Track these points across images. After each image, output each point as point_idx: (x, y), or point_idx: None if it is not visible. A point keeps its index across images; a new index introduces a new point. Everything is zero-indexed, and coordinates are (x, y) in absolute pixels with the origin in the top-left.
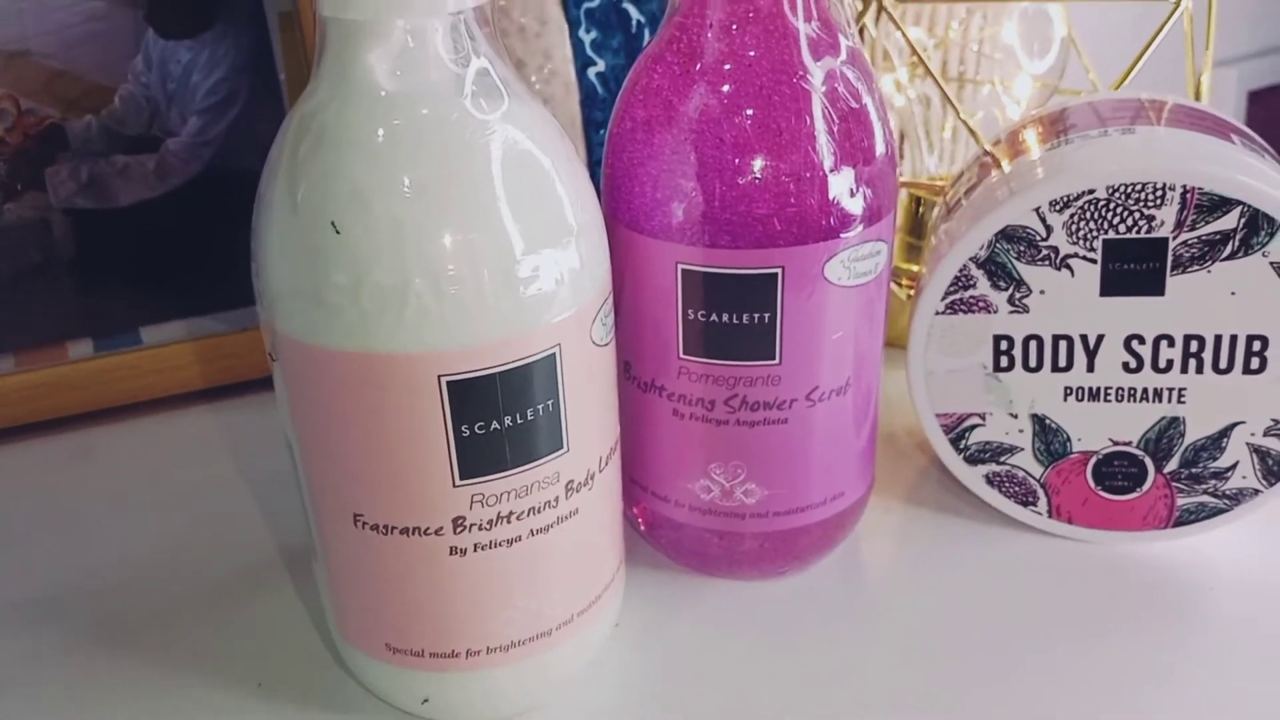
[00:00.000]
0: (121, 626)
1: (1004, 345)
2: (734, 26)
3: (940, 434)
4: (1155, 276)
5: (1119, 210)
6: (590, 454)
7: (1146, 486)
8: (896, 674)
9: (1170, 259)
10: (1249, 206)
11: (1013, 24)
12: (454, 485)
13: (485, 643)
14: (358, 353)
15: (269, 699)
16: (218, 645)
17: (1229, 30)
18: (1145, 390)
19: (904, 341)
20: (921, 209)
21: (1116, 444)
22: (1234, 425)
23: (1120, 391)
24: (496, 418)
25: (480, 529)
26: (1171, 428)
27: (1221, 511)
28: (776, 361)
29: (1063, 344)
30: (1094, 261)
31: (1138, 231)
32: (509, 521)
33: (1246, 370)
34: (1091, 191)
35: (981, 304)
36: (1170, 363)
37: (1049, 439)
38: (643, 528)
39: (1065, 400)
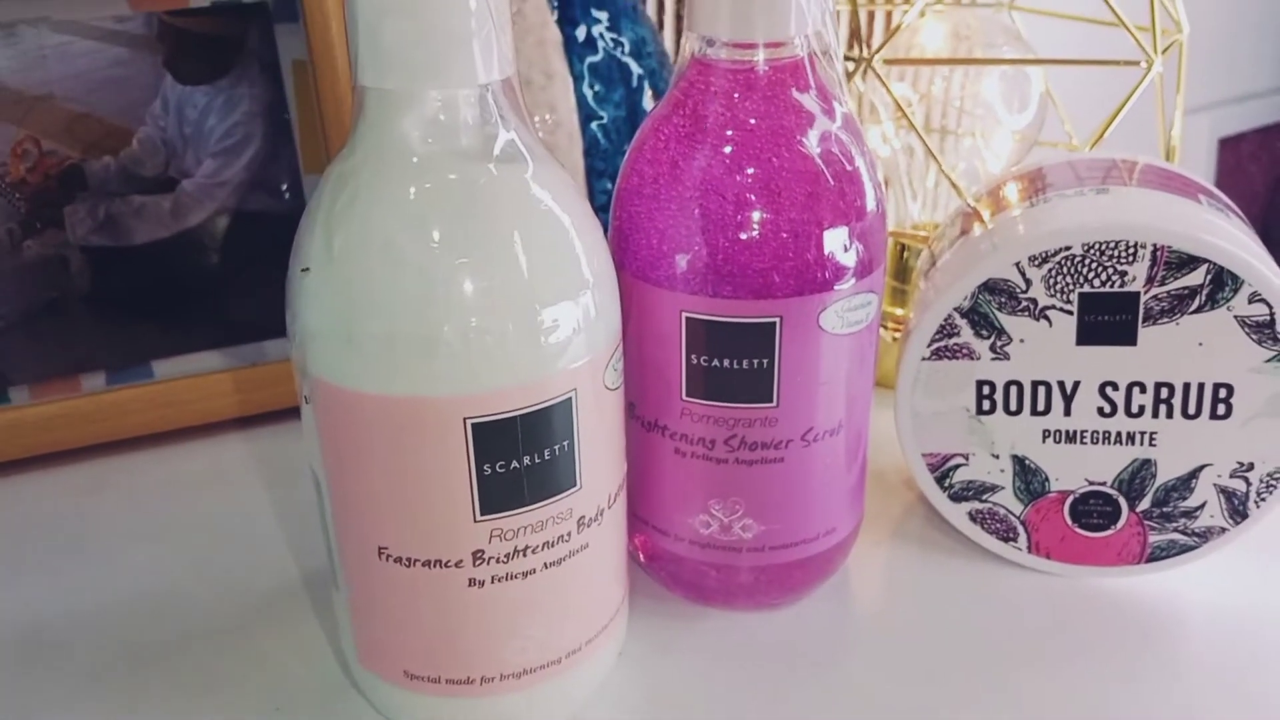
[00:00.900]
0: (138, 655)
1: (986, 390)
2: (735, 95)
3: (926, 472)
4: (1128, 328)
5: (1094, 266)
6: (601, 491)
7: (1120, 524)
8: (884, 700)
9: (1142, 312)
10: (1214, 264)
11: (993, 81)
12: (475, 520)
13: (499, 670)
14: (388, 396)
15: None
16: (234, 672)
17: (1201, 78)
18: (1119, 433)
19: (890, 382)
20: (906, 255)
21: (1092, 484)
22: (1202, 467)
23: (1095, 434)
24: (516, 457)
25: (498, 562)
26: (1144, 469)
27: (1191, 548)
28: (774, 404)
29: (1041, 389)
30: (1070, 313)
31: (1111, 286)
32: (524, 555)
33: (1213, 416)
34: (1069, 248)
35: (965, 351)
36: (1142, 408)
37: (1028, 478)
38: (643, 559)
39: (1044, 442)
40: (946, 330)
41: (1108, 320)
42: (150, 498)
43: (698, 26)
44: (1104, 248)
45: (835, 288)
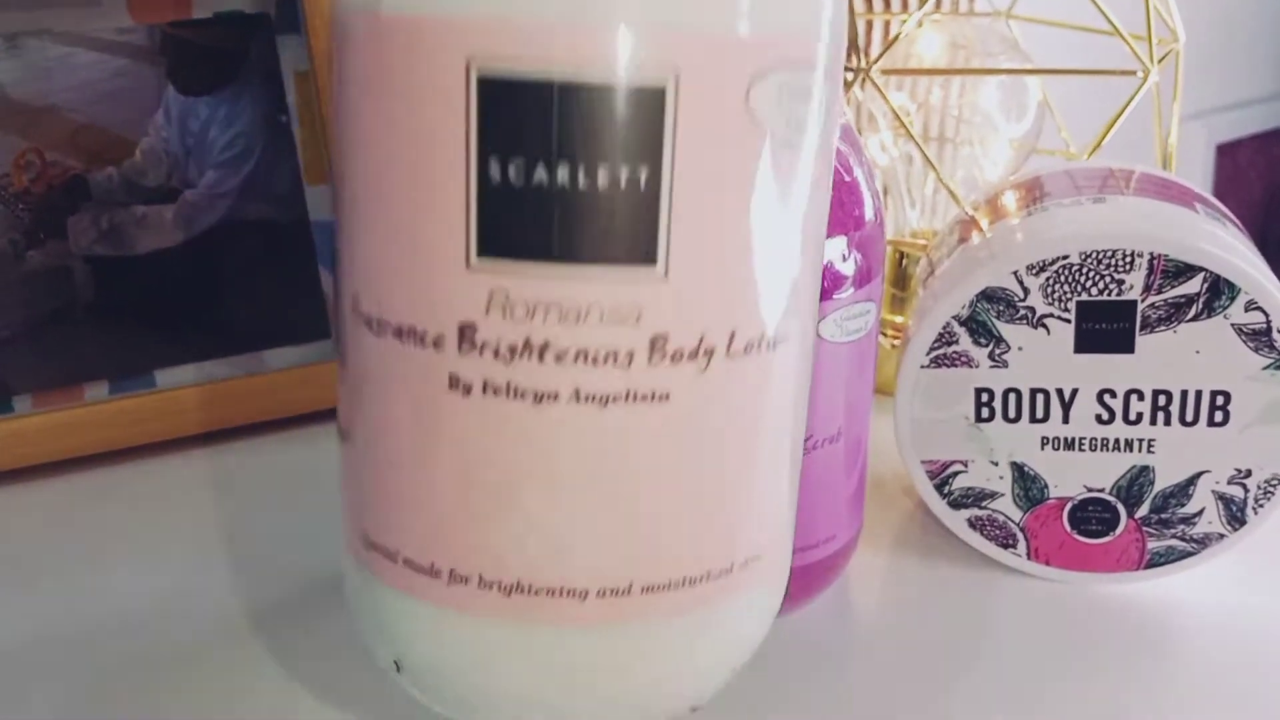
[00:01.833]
0: (141, 663)
1: (985, 397)
2: None
3: (926, 480)
4: (1125, 335)
5: (1091, 274)
6: (712, 307)
7: (1119, 531)
8: (883, 708)
9: (1139, 319)
10: (1211, 273)
11: (991, 90)
12: (467, 265)
13: (478, 569)
14: (377, 14)
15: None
16: (242, 683)
17: (1198, 85)
18: (1117, 440)
19: (890, 389)
20: (905, 263)
21: (1090, 490)
22: (1200, 474)
23: (1093, 441)
24: (547, 160)
25: (496, 355)
26: (1142, 476)
27: (1190, 554)
28: None
29: (1040, 397)
30: (1068, 321)
31: (1109, 294)
32: (541, 358)
33: (1211, 423)
34: (1066, 257)
35: (964, 359)
36: (1140, 415)
37: (1027, 485)
38: None
39: (1042, 449)
40: (945, 338)
41: (1105, 328)
42: (153, 507)
43: None
44: (1101, 256)
45: (834, 297)
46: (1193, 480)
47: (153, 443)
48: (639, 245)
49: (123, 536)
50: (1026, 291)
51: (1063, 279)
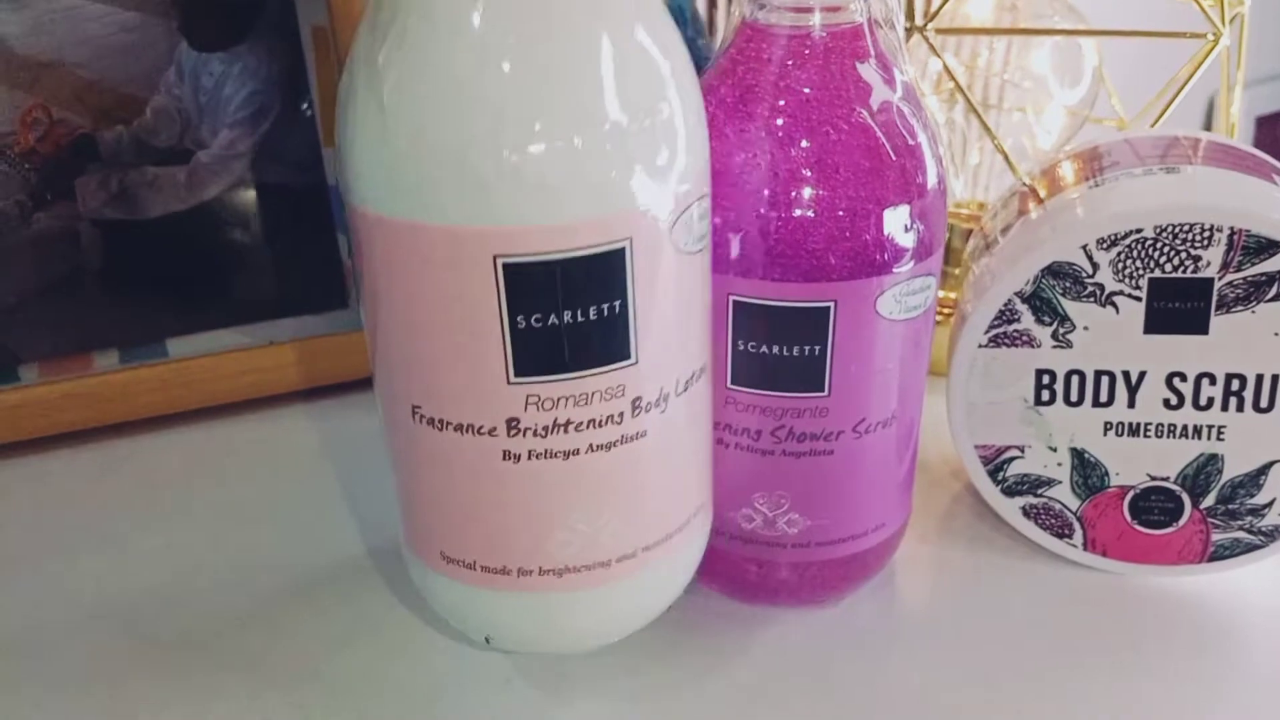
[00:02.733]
0: (155, 640)
1: (1046, 379)
2: (789, 62)
3: (979, 465)
4: (1200, 315)
5: (1165, 250)
6: (663, 371)
7: (1183, 521)
8: (931, 703)
9: (1215, 299)
10: None
11: (1044, 53)
12: (508, 382)
13: (538, 563)
14: (416, 223)
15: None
16: (256, 649)
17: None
18: (1185, 427)
19: (939, 369)
20: (950, 235)
21: (1154, 479)
22: (1272, 463)
23: (1160, 428)
24: (555, 311)
25: (535, 435)
26: (1210, 464)
27: (1257, 547)
28: (825, 393)
29: (1105, 379)
30: (1139, 299)
31: (1184, 271)
32: (566, 431)
33: None
34: (1139, 230)
35: (1025, 338)
36: (1211, 400)
37: (1087, 473)
38: None
39: (1105, 435)
40: (1006, 316)
41: (1178, 307)
42: (164, 479)
43: None
44: (1177, 230)
45: (894, 270)
46: (1264, 470)
47: (165, 414)
48: (620, 350)
49: (134, 511)
50: (1096, 267)
51: (1135, 254)
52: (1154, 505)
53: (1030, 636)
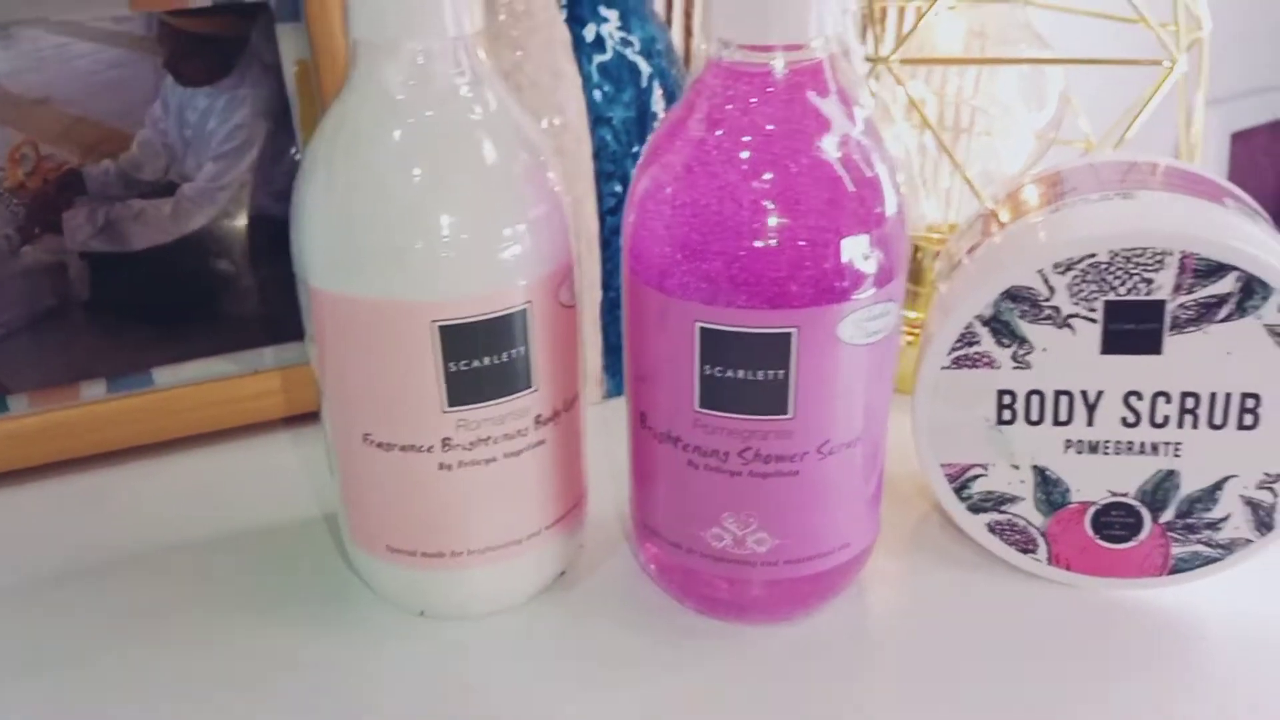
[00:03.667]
0: (142, 662)
1: (1007, 399)
2: (753, 99)
3: (944, 483)
4: (1153, 336)
5: (1119, 273)
6: (555, 395)
7: (1143, 536)
8: (898, 716)
9: (1168, 320)
10: (1244, 272)
11: (1011, 79)
12: (443, 411)
13: (466, 545)
14: (370, 299)
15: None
16: (245, 678)
17: (1213, 72)
18: (1143, 444)
19: (905, 389)
20: (920, 256)
21: (1114, 495)
22: (1227, 478)
23: (1118, 445)
24: (478, 357)
25: (464, 449)
26: (1167, 480)
27: (1215, 560)
28: (790, 416)
29: (1064, 399)
30: (1095, 321)
31: (1137, 294)
32: (487, 444)
33: (1240, 426)
34: (1094, 255)
35: (986, 360)
36: (1167, 418)
37: (1049, 489)
38: (654, 570)
39: (1065, 452)
40: (967, 339)
41: (1133, 329)
42: (152, 507)
43: (713, 29)
44: (1130, 255)
45: (854, 297)
46: (1220, 484)
47: (153, 443)
48: (525, 382)
49: (121, 539)
50: (1052, 291)
51: (1090, 278)
52: (1115, 520)
53: (997, 650)
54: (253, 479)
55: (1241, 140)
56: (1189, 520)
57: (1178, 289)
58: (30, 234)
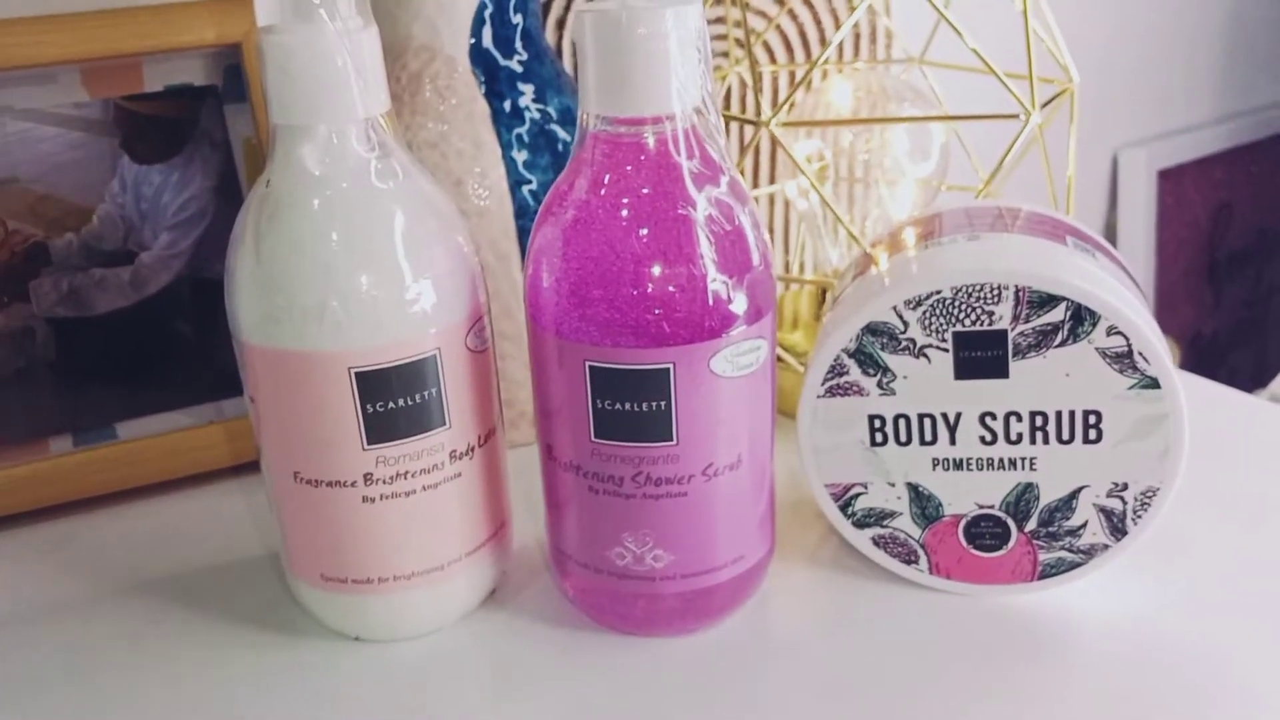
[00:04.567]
0: (109, 701)
1: (877, 423)
2: (628, 166)
3: (830, 502)
4: (1000, 362)
5: (963, 307)
6: (469, 431)
7: (1011, 544)
8: (799, 717)
9: (1011, 347)
10: (1072, 301)
11: (899, 134)
12: (363, 449)
13: (392, 572)
14: (294, 350)
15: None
16: (201, 685)
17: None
18: (1001, 460)
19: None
20: (828, 299)
21: (981, 507)
22: (1081, 488)
23: (980, 461)
24: (393, 399)
25: (385, 483)
26: (1027, 492)
27: (1079, 565)
28: (674, 443)
29: (927, 421)
30: (946, 350)
31: (981, 324)
32: (406, 478)
33: (1086, 440)
34: (939, 292)
35: (855, 388)
36: (1020, 435)
37: (923, 504)
38: (570, 593)
39: (934, 470)
40: (837, 370)
41: (981, 356)
42: (115, 551)
43: (590, 106)
44: (971, 290)
45: (724, 335)
46: (1074, 494)
47: (116, 492)
48: (439, 420)
49: (87, 583)
50: (906, 324)
51: (938, 312)
52: (985, 531)
53: (887, 654)
54: (211, 523)
55: (1169, 178)
56: (1051, 529)
57: (1016, 319)
58: (0, 302)
